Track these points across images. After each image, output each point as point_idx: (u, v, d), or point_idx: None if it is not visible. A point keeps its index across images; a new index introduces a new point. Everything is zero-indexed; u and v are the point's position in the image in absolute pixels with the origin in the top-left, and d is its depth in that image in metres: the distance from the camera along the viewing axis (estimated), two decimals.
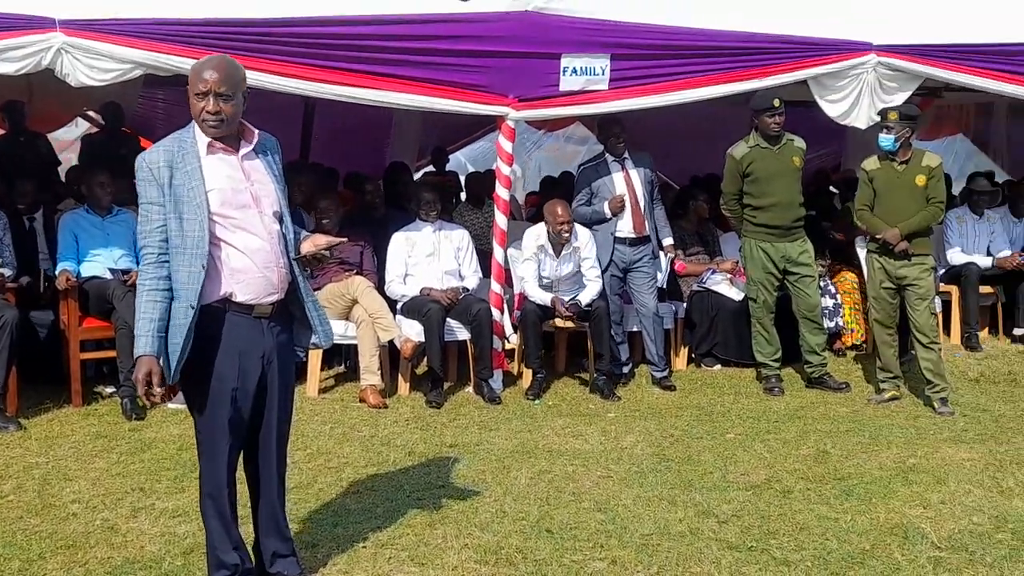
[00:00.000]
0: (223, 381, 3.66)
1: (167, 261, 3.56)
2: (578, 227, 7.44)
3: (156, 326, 3.54)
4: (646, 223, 7.51)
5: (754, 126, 7.31)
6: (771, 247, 7.32)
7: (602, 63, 7.08)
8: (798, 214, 7.39)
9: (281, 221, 3.72)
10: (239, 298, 3.66)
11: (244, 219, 3.63)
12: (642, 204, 7.49)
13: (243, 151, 3.68)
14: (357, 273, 7.39)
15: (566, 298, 7.30)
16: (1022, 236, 9.57)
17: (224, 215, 3.59)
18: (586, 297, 7.32)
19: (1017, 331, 9.11)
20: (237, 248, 3.63)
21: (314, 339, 3.92)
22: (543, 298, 7.27)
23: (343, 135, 11.16)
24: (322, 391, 7.30)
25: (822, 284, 8.25)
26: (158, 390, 3.55)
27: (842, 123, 7.82)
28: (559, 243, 7.36)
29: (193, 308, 3.54)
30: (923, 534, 4.61)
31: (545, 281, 7.43)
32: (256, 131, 3.73)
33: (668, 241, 7.80)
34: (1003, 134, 13.76)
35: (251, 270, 3.65)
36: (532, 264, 7.34)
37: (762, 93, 7.27)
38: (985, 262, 9.12)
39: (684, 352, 8.26)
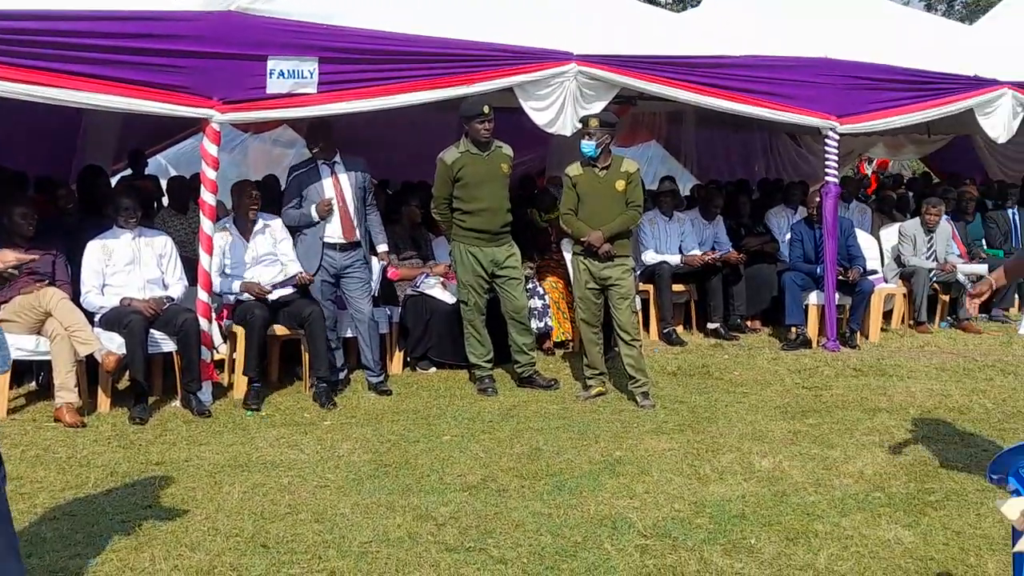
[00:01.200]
0: None
1: None
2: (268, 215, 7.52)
3: None
4: (356, 228, 7.45)
5: (465, 132, 7.42)
6: (479, 251, 7.45)
7: (310, 66, 6.96)
8: (505, 219, 7.56)
9: None
10: None
11: None
12: (351, 209, 7.43)
13: None
14: (50, 284, 6.89)
15: (264, 280, 7.29)
16: (712, 237, 10.21)
17: None
18: (292, 270, 7.36)
19: (710, 325, 9.74)
20: None
21: None
22: (233, 287, 7.22)
23: (29, 136, 10.39)
24: (11, 411, 6.78)
25: (530, 286, 8.50)
26: None
27: (549, 131, 8.07)
28: (247, 223, 7.37)
29: None
30: (630, 523, 4.82)
31: (245, 269, 7.34)
32: None
33: (382, 248, 7.77)
34: (692, 141, 14.68)
35: None
36: (216, 259, 7.18)
37: (472, 100, 7.39)
38: (675, 260, 9.67)
39: (399, 356, 8.27)
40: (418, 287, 8.29)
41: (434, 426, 6.60)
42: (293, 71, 6.88)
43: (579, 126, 7.61)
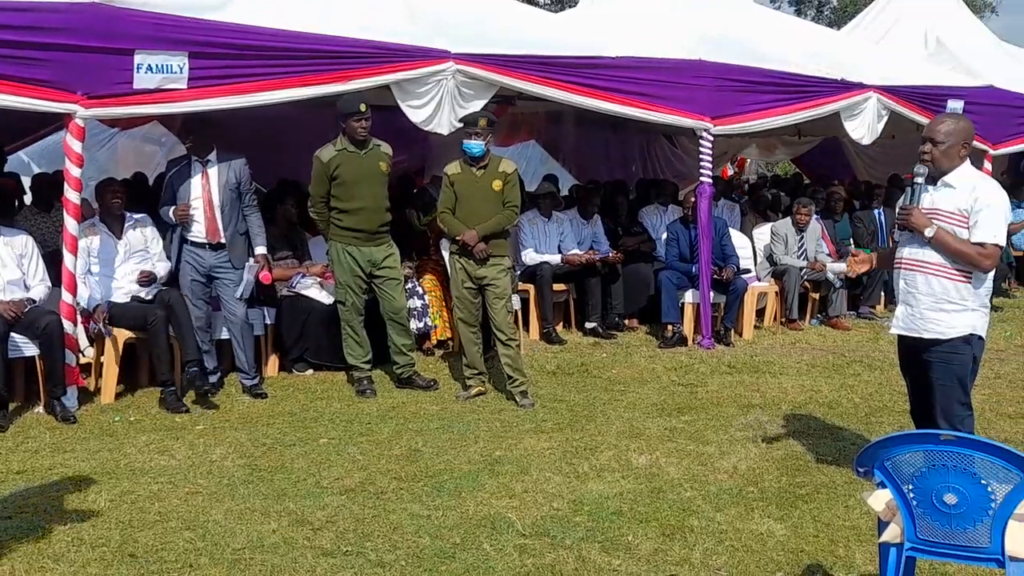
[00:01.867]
0: None
1: None
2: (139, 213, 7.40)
3: None
4: (221, 230, 7.19)
5: (342, 130, 7.31)
6: (357, 251, 7.35)
7: (180, 61, 6.76)
8: (384, 219, 7.47)
9: None
10: None
11: None
12: (217, 209, 7.17)
13: None
14: None
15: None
16: (590, 236, 10.29)
17: None
18: (161, 270, 7.28)
19: (588, 324, 9.81)
20: None
21: None
22: (86, 296, 7.03)
23: None
24: None
25: (409, 286, 8.43)
26: None
27: (426, 129, 8.01)
28: (115, 220, 7.23)
29: None
30: (510, 523, 4.81)
31: (116, 266, 7.16)
32: None
33: (260, 250, 7.42)
34: (571, 141, 14.78)
35: None
36: (80, 259, 6.96)
37: (349, 97, 7.28)
38: (556, 260, 9.72)
39: (275, 358, 8.10)
40: (294, 287, 8.14)
41: (311, 429, 6.49)
42: (162, 66, 6.68)
43: (457, 125, 7.59)
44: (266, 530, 4.71)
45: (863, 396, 7.47)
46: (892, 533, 3.42)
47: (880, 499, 3.48)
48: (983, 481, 3.16)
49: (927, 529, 3.30)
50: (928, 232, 4.74)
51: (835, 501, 5.15)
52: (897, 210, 5.03)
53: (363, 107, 7.16)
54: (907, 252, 4.91)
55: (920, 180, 4.83)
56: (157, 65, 6.66)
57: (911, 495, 3.30)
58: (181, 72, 6.77)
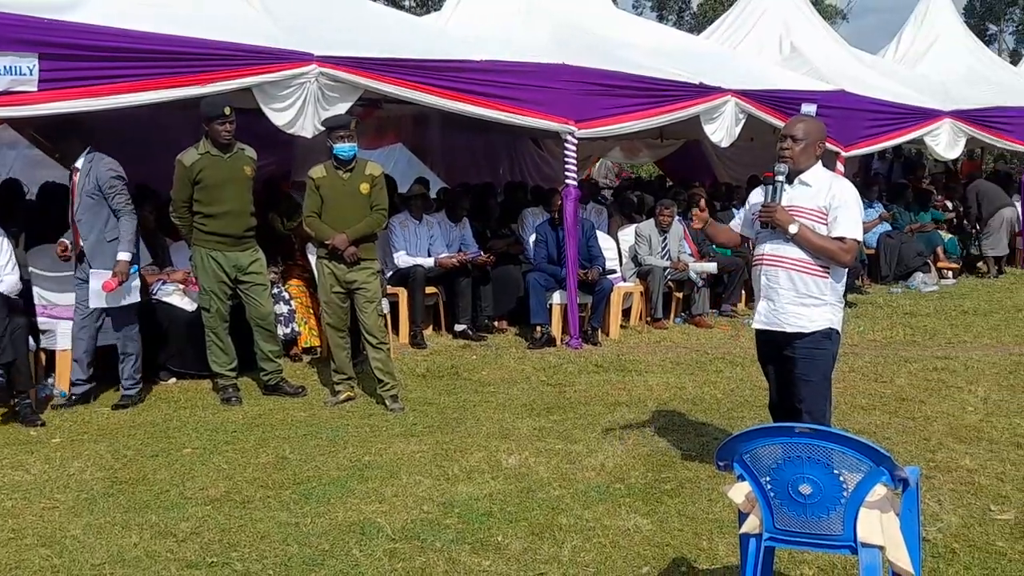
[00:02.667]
0: None
1: None
2: None
3: None
4: (81, 238, 6.93)
5: (205, 133, 7.16)
6: (222, 256, 7.22)
7: (29, 62, 6.52)
8: (249, 223, 7.36)
9: None
10: None
11: None
12: (76, 216, 6.94)
13: None
14: None
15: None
16: (459, 239, 10.31)
17: None
18: (8, 283, 6.94)
19: (458, 327, 9.82)
20: None
21: None
22: None
23: None
24: None
25: (275, 291, 8.32)
26: None
27: (289, 132, 7.91)
28: None
29: None
30: (379, 528, 4.79)
31: None
32: None
33: (119, 256, 7.00)
34: (437, 143, 14.77)
35: None
36: None
37: (212, 100, 7.14)
38: (429, 263, 9.71)
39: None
40: (155, 294, 7.93)
41: (174, 439, 6.34)
42: (10, 67, 6.43)
43: (320, 128, 7.51)
44: (127, 544, 4.58)
45: (725, 392, 7.66)
46: (751, 524, 3.51)
47: (740, 491, 3.57)
48: (835, 471, 3.28)
49: (784, 519, 3.41)
50: (792, 229, 4.87)
51: (699, 495, 5.28)
52: (749, 207, 5.19)
53: (227, 110, 7.04)
54: (768, 248, 5.02)
55: (781, 178, 4.96)
56: (5, 66, 6.41)
57: (768, 487, 3.40)
58: (31, 74, 6.53)
